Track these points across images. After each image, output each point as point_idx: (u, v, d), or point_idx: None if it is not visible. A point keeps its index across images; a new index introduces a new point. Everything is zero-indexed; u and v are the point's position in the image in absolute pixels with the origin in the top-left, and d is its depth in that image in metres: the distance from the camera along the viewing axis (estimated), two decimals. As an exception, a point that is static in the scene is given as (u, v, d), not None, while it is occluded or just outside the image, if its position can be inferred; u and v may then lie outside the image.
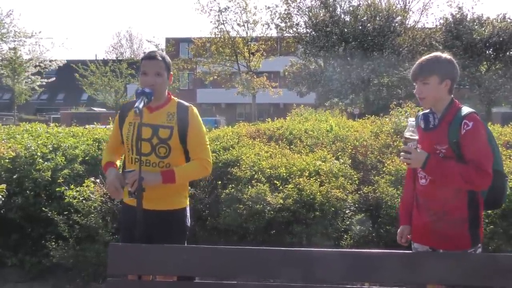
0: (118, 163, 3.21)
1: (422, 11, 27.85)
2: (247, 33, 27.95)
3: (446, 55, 2.68)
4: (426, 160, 2.54)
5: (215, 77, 29.11)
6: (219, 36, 27.78)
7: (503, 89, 23.48)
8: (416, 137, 2.61)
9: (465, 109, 2.61)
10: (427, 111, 2.73)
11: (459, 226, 2.58)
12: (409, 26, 26.01)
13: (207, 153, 2.99)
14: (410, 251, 2.74)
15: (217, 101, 44.10)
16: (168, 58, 3.00)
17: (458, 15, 24.52)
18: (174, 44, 43.18)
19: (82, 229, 4.49)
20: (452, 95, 2.68)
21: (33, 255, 4.71)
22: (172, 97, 3.03)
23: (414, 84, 2.72)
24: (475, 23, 24.33)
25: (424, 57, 2.70)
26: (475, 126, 2.53)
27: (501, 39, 23.17)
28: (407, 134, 2.63)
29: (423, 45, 24.70)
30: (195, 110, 3.00)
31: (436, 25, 25.66)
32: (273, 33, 28.79)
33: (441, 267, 2.24)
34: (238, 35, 27.88)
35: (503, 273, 2.19)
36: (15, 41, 26.57)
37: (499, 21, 24.11)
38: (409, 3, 27.42)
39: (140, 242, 2.63)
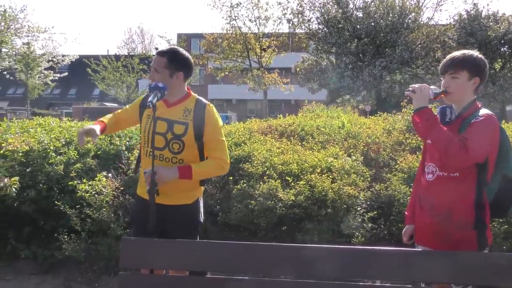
0: (108, 131, 3.20)
1: (436, 7, 27.59)
2: (258, 29, 27.85)
3: (479, 54, 2.64)
4: (424, 107, 2.49)
5: (227, 73, 29.06)
6: (230, 32, 27.72)
7: (518, 87, 23.24)
8: (437, 89, 2.59)
9: (484, 110, 2.55)
10: (445, 105, 2.69)
11: (465, 229, 2.50)
12: (422, 22, 25.76)
13: (225, 152, 2.98)
14: (418, 249, 2.70)
15: (228, 97, 44.18)
16: (179, 54, 2.94)
17: (473, 12, 24.24)
18: (186, 40, 43.16)
19: (94, 223, 4.54)
20: (476, 96, 2.63)
21: (45, 248, 4.77)
22: (192, 93, 3.02)
23: (441, 78, 2.67)
24: (490, 20, 24.00)
25: (456, 52, 2.66)
26: (486, 120, 2.47)
27: (516, 36, 22.89)
28: (431, 87, 2.59)
29: (437, 42, 24.46)
30: (213, 108, 2.99)
31: (450, 22, 25.39)
32: (285, 29, 28.74)
33: (446, 266, 2.23)
34: (249, 31, 27.81)
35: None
36: (28, 36, 26.73)
37: (515, 17, 23.81)
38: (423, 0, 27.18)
39: (152, 236, 2.64)
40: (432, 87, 2.60)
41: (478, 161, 2.42)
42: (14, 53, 26.67)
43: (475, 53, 2.64)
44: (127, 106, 3.27)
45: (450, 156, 2.38)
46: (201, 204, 3.11)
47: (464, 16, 24.34)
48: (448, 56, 2.66)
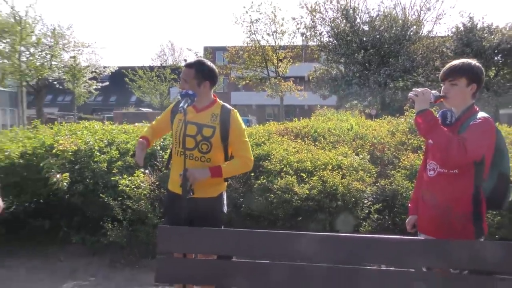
0: (151, 143, 3.33)
1: (435, 21, 27.22)
2: (275, 42, 27.81)
3: (476, 62, 2.59)
4: (426, 110, 2.44)
5: (247, 81, 29.10)
6: (250, 44, 27.75)
7: (510, 92, 22.76)
8: (437, 93, 2.56)
9: (481, 113, 2.51)
10: (446, 109, 2.65)
11: (464, 220, 2.47)
12: (422, 35, 25.40)
13: (248, 151, 3.01)
14: (420, 238, 2.68)
15: (248, 103, 44.14)
16: (205, 66, 2.97)
17: (469, 24, 23.83)
18: (211, 52, 43.37)
19: (133, 213, 4.60)
20: (474, 101, 2.59)
21: (92, 234, 4.84)
22: (218, 100, 3.06)
23: (441, 84, 2.63)
24: (484, 32, 23.55)
25: (455, 61, 2.61)
26: (483, 122, 2.44)
27: (509, 46, 22.39)
28: (432, 92, 2.56)
29: (436, 52, 24.13)
30: (237, 113, 3.02)
31: (448, 34, 25.00)
32: (299, 41, 28.61)
33: (445, 253, 2.22)
34: (267, 44, 27.79)
35: (506, 259, 2.17)
36: (74, 50, 27.11)
37: (507, 29, 23.31)
38: (423, 14, 26.81)
39: (183, 225, 2.66)
40: (433, 91, 2.57)
41: (475, 159, 2.39)
42: (62, 65, 27.06)
43: (473, 61, 2.59)
44: (159, 117, 3.31)
45: (449, 154, 2.34)
46: (225, 197, 3.13)
47: (461, 29, 23.94)
48: (448, 65, 2.62)
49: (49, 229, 4.94)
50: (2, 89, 32.36)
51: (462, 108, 2.57)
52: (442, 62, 22.53)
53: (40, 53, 25.49)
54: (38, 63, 25.03)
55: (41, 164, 4.88)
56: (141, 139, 3.16)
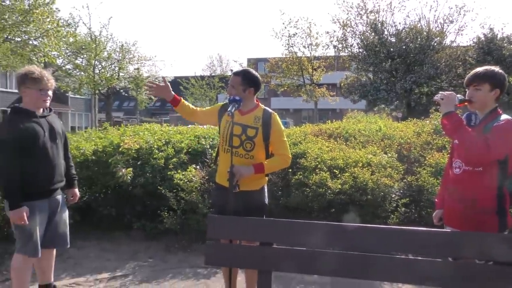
0: (181, 108, 3.21)
1: (458, 32, 26.04)
2: (310, 53, 27.56)
3: (499, 69, 2.46)
4: (451, 112, 2.34)
5: (285, 88, 28.99)
6: (288, 56, 27.63)
7: (529, 96, 21.54)
8: (462, 97, 2.45)
9: (504, 116, 2.38)
10: (470, 112, 2.52)
11: (488, 214, 2.34)
12: (446, 45, 24.40)
13: (287, 149, 3.02)
14: (447, 230, 2.55)
15: (286, 107, 44.01)
16: (249, 74, 2.98)
17: (489, 35, 22.74)
18: (254, 63, 43.49)
19: (186, 203, 4.64)
20: (497, 104, 2.46)
21: (151, 221, 4.91)
22: (260, 104, 3.07)
23: (466, 89, 2.51)
24: (504, 41, 22.44)
25: (480, 68, 2.49)
26: (506, 124, 2.30)
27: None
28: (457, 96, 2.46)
29: (458, 60, 23.15)
30: (277, 116, 3.04)
31: (470, 44, 23.94)
32: (331, 52, 28.18)
33: (471, 244, 2.09)
34: (303, 55, 27.59)
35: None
36: (138, 63, 27.94)
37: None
38: (446, 26, 25.73)
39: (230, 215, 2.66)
40: (458, 95, 2.46)
41: (498, 158, 2.27)
42: (128, 76, 27.95)
43: (496, 68, 2.46)
44: (205, 108, 3.28)
45: (474, 153, 2.25)
46: (266, 190, 3.11)
47: (482, 39, 22.88)
48: (473, 71, 2.50)
49: (115, 217, 5.06)
50: (78, 96, 33.78)
51: (486, 111, 2.44)
52: (464, 69, 21.62)
53: (110, 66, 26.44)
54: (108, 75, 25.95)
55: (109, 160, 5.01)
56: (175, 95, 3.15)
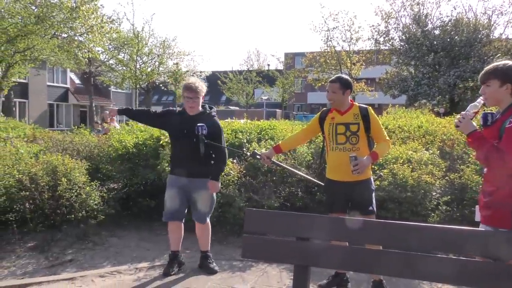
0: (290, 147, 4.08)
1: (506, 25, 24.73)
2: (349, 47, 27.10)
3: (511, 63, 2.40)
4: (472, 131, 2.40)
5: (323, 83, 28.63)
6: (327, 50, 27.27)
7: None
8: (472, 110, 2.48)
9: None
10: (488, 111, 2.56)
11: (503, 210, 2.32)
12: (494, 38, 23.25)
13: (386, 135, 3.45)
14: (485, 229, 2.43)
15: (323, 102, 43.37)
16: (344, 80, 3.45)
17: (542, 26, 21.51)
18: (291, 57, 43.28)
19: (223, 196, 4.68)
20: None
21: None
22: (354, 102, 3.47)
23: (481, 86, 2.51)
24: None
25: (491, 64, 2.49)
26: None
27: None
28: (470, 105, 2.51)
29: (508, 54, 21.98)
30: (371, 109, 3.44)
31: (520, 36, 22.69)
32: (371, 46, 27.51)
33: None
34: (342, 49, 27.16)
35: None
36: (177, 58, 28.48)
37: None
38: (495, 17, 24.45)
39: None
40: (471, 104, 2.51)
41: None
42: (167, 71, 28.55)
43: (509, 62, 2.41)
44: (310, 122, 3.72)
45: (490, 160, 2.35)
46: (372, 178, 3.48)
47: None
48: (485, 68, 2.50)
49: (154, 208, 5.17)
50: (120, 90, 34.86)
51: (502, 107, 2.42)
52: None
53: (151, 61, 27.11)
54: (149, 69, 26.64)
55: (160, 154, 5.11)
56: (273, 149, 3.76)
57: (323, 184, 3.75)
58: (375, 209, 3.41)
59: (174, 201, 3.80)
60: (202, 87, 3.76)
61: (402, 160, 4.77)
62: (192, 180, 3.76)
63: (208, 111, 3.87)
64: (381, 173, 4.15)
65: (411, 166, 4.65)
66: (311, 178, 4.14)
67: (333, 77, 3.50)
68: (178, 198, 3.80)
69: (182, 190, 3.78)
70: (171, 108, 4.24)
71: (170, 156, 4.08)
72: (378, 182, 4.40)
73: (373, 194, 3.44)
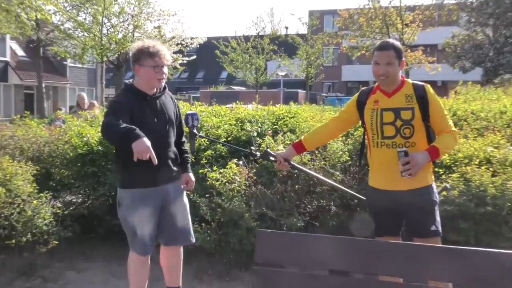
0: (316, 144, 4.12)
1: None
2: (400, 1, 26.95)
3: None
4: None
5: (363, 52, 28.51)
6: (369, 6, 27.14)
7: None
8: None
9: None
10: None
11: None
12: None
13: (452, 124, 3.37)
14: None
15: (364, 79, 43.16)
16: (398, 46, 3.35)
17: None
18: (318, 17, 43.22)
19: (224, 212, 4.65)
20: None
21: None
22: (405, 79, 3.40)
23: None
24: None
25: None
26: None
27: None
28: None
29: None
30: (431, 88, 3.34)
31: None
32: (431, 1, 27.35)
33: None
34: (390, 5, 27.02)
35: None
36: (159, 19, 28.50)
37: None
38: None
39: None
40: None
41: None
42: (145, 37, 28.64)
43: None
44: (343, 109, 3.75)
45: None
46: (434, 185, 3.40)
47: None
48: None
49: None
50: (79, 65, 35.10)
51: None
52: None
53: (122, 24, 27.20)
54: (119, 36, 26.72)
55: None
56: (292, 146, 3.77)
57: (364, 198, 3.73)
58: (440, 229, 3.35)
59: (151, 226, 3.72)
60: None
61: (478, 160, 4.74)
62: (169, 186, 3.77)
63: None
64: (447, 184, 4.08)
65: (491, 169, 4.63)
66: (347, 190, 4.09)
67: (382, 43, 3.42)
68: (153, 220, 3.74)
69: (156, 207, 3.73)
70: (123, 88, 4.19)
71: (127, 163, 3.49)
72: (444, 193, 4.35)
73: (437, 209, 3.38)
